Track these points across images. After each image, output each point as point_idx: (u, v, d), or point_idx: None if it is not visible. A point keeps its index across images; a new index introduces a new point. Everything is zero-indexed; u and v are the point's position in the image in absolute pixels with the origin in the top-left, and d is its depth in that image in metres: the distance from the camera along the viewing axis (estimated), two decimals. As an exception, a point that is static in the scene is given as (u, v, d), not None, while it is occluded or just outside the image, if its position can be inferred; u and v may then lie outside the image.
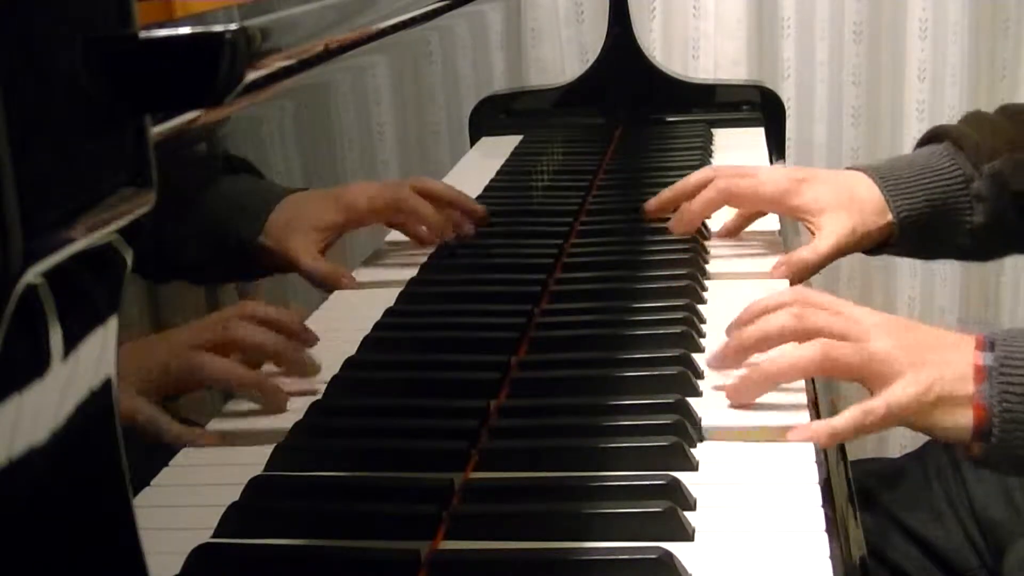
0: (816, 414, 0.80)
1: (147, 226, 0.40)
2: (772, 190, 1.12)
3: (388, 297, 0.98)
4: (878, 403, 0.78)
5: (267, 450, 0.73)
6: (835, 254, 1.09)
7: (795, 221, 1.17)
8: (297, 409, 0.79)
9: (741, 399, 0.80)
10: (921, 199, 1.10)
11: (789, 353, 0.81)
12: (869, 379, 0.80)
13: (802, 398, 0.82)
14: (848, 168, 1.17)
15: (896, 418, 0.78)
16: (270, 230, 0.83)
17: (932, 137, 1.17)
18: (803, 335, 0.82)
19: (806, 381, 0.83)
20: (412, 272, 1.03)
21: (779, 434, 0.77)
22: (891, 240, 1.12)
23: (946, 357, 0.79)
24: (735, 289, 1.02)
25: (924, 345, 0.80)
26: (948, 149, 1.13)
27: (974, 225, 1.12)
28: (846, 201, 1.10)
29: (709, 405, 0.80)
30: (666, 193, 1.16)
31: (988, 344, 0.79)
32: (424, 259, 1.07)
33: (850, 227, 1.08)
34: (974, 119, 1.17)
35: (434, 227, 1.05)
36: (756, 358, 0.84)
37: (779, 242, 1.17)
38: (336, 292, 0.96)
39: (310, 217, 0.92)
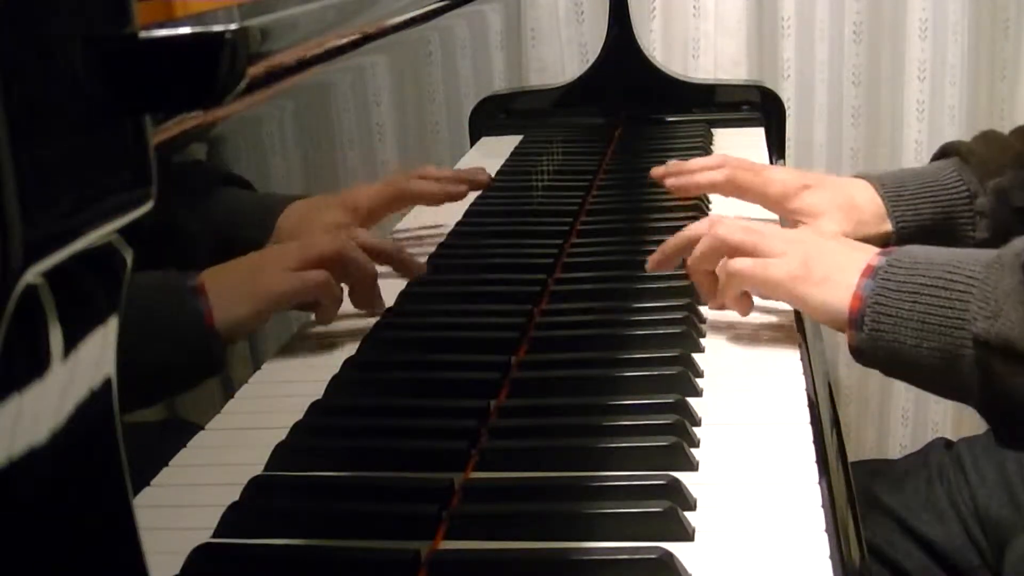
0: (816, 414, 0.80)
1: (156, 234, 0.40)
2: (776, 191, 1.15)
3: (388, 297, 0.98)
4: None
5: (267, 450, 0.74)
6: None
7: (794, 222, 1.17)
8: (297, 409, 0.79)
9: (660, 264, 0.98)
10: (923, 211, 1.12)
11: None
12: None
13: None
14: (855, 175, 1.18)
15: (773, 278, 0.89)
16: (278, 236, 0.85)
17: (943, 153, 1.19)
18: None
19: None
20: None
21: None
22: None
23: (843, 254, 0.89)
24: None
25: (826, 246, 0.91)
26: (955, 164, 1.14)
27: (977, 241, 1.13)
28: (845, 207, 1.12)
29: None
30: (680, 164, 1.21)
31: (887, 252, 0.86)
32: (424, 259, 1.07)
33: (840, 231, 1.10)
34: (985, 137, 1.19)
35: (440, 201, 1.12)
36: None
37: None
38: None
39: (318, 221, 0.93)
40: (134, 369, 0.40)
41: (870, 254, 0.87)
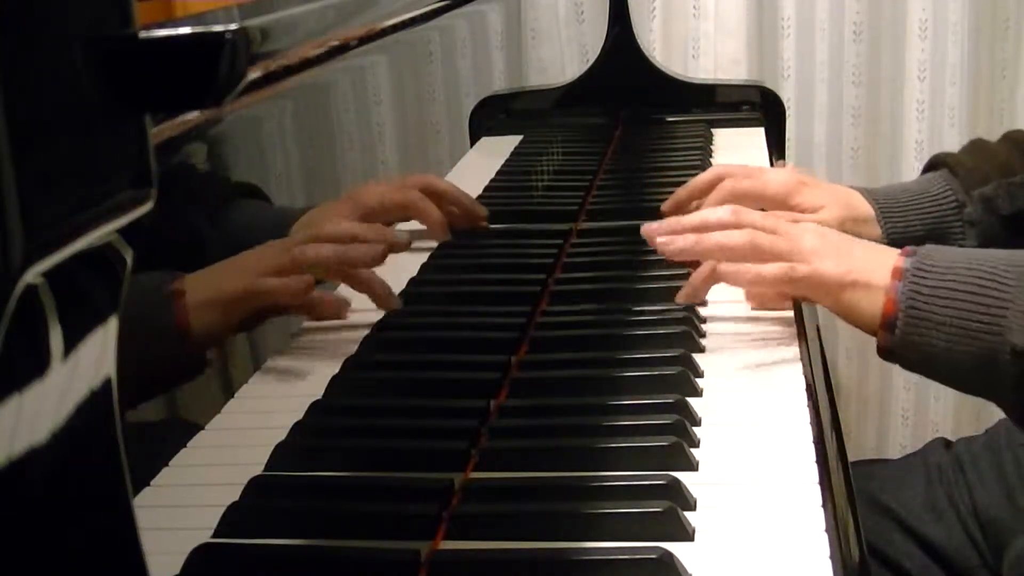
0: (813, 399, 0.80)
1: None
2: (776, 189, 1.15)
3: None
4: (804, 265, 0.89)
5: (267, 450, 0.74)
6: None
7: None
8: (297, 409, 0.79)
9: (674, 255, 0.94)
10: (913, 222, 1.14)
11: (719, 234, 0.92)
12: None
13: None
14: (850, 187, 1.20)
15: (816, 283, 0.89)
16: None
17: (931, 166, 1.21)
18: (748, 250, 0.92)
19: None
20: (412, 272, 1.04)
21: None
22: None
23: (871, 255, 0.90)
24: (735, 290, 1.02)
25: (853, 244, 0.92)
26: (944, 176, 1.16)
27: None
28: (843, 205, 1.14)
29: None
30: (681, 192, 1.19)
31: (911, 252, 0.88)
32: (424, 259, 1.07)
33: (839, 221, 1.12)
34: (973, 147, 1.21)
35: (435, 229, 1.09)
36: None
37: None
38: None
39: (327, 220, 0.93)
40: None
41: (893, 255, 0.89)
